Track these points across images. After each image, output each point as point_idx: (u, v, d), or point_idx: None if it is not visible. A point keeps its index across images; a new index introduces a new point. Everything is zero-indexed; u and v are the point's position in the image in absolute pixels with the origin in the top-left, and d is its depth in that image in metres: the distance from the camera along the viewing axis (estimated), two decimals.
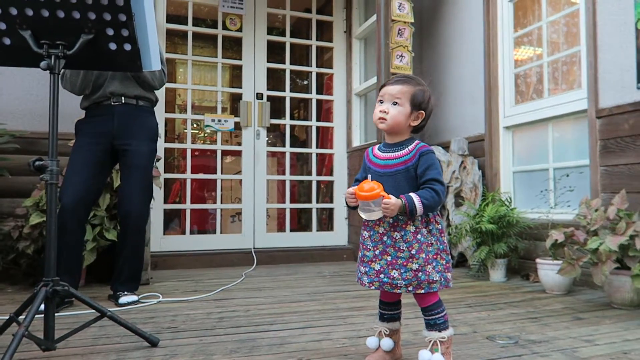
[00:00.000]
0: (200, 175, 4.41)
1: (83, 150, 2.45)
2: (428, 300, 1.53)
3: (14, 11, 1.59)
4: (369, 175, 1.63)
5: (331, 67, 4.63)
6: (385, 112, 1.61)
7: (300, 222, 5.19)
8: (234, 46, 4.53)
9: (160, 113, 4.01)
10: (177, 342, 1.83)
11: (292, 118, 4.51)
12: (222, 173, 4.23)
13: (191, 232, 4.23)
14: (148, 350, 1.71)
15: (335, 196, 4.58)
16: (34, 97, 3.62)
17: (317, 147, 4.62)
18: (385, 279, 1.53)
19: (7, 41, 1.65)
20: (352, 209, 1.62)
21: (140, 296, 2.62)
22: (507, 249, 3.14)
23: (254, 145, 4.27)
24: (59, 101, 1.66)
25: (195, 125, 4.79)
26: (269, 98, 4.36)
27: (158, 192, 3.98)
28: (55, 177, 1.62)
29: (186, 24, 4.16)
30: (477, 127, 3.95)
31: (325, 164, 4.76)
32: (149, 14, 1.70)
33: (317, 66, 4.59)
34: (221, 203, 4.22)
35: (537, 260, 2.87)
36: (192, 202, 4.19)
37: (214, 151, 4.25)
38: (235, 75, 4.42)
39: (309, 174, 4.72)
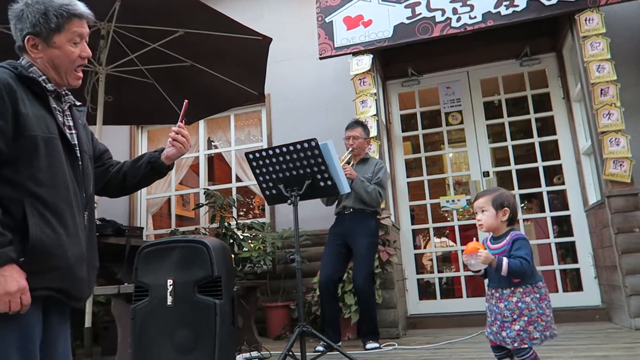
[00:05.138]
0: (443, 248, 5.20)
1: (329, 245, 3.77)
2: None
3: (274, 176, 2.98)
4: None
5: (554, 134, 4.89)
6: (479, 220, 2.24)
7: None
8: (458, 136, 5.35)
9: (405, 203, 5.12)
10: None
11: (519, 188, 4.91)
12: (461, 245, 4.94)
13: (441, 297, 4.99)
14: None
15: (580, 256, 4.62)
16: (320, 208, 5.15)
17: (550, 211, 4.84)
18: (500, 337, 2.09)
19: (273, 192, 3.04)
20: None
21: (383, 344, 3.59)
22: None
23: None
24: None
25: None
26: (496, 174, 4.94)
27: (410, 265, 4.98)
28: (299, 263, 2.83)
29: (417, 129, 5.26)
30: None
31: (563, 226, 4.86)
32: (336, 161, 2.85)
33: (539, 136, 4.94)
34: (464, 270, 4.89)
35: None
36: (439, 272, 5.00)
37: (452, 227, 5.03)
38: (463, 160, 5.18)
39: (547, 237, 4.91)
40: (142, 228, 4.93)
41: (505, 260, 2.06)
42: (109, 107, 4.42)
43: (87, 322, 3.84)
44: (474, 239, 2.30)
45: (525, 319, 2.01)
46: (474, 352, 3.16)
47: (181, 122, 1.94)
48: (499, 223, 2.15)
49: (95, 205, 1.78)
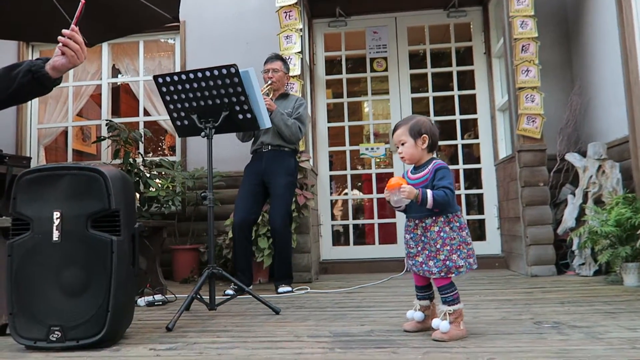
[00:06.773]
0: (359, 195, 5.21)
1: (245, 184, 3.53)
2: (442, 282, 1.98)
3: (187, 104, 2.67)
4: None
5: (473, 88, 4.96)
6: (401, 153, 2.13)
7: None
8: (381, 86, 5.27)
9: (324, 148, 5.00)
10: (294, 312, 2.62)
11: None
12: (377, 193, 4.95)
13: (354, 244, 5.03)
14: (271, 316, 2.53)
15: (486, 208, 4.83)
16: (237, 147, 4.93)
17: (463, 163, 4.97)
18: (426, 267, 2.03)
19: (185, 122, 2.74)
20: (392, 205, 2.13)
21: (295, 288, 3.51)
22: (636, 253, 3.06)
23: (404, 167, 4.88)
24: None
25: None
26: None
27: (326, 211, 4.93)
28: (211, 202, 2.61)
29: (341, 73, 5.09)
30: (624, 129, 3.82)
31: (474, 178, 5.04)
32: (257, 92, 2.60)
33: (459, 89, 4.98)
34: (378, 218, 4.94)
35: None
36: (354, 219, 5.01)
37: (369, 175, 5.02)
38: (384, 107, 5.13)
39: (458, 188, 5.07)
40: (30, 158, 4.37)
41: (429, 192, 1.98)
42: None
43: None
44: (394, 174, 2.19)
45: (448, 247, 1.97)
46: (385, 295, 3.18)
47: (75, 25, 1.60)
48: (420, 152, 2.06)
49: None
